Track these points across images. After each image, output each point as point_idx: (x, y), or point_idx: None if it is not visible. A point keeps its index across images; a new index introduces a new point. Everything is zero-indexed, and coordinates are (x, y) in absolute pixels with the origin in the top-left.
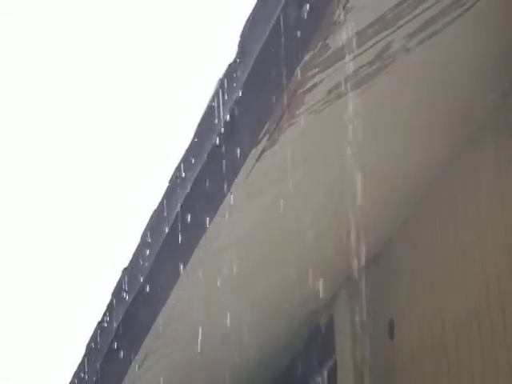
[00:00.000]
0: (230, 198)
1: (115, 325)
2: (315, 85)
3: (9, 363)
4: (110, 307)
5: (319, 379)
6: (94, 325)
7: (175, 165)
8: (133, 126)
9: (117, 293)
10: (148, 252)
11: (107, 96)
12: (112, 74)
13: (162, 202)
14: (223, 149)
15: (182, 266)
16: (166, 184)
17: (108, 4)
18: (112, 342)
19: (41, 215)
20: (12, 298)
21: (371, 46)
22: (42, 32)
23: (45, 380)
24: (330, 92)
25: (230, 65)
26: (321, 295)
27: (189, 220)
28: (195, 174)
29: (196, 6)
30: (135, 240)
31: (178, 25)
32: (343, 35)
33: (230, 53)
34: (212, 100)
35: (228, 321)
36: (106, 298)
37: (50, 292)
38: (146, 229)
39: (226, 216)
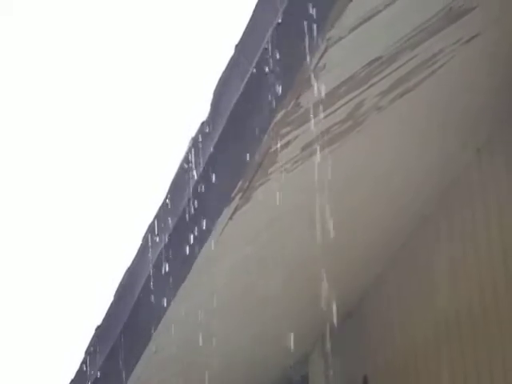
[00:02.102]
0: (203, 257)
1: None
2: (288, 143)
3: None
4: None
5: None
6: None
7: (148, 222)
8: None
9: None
10: (120, 312)
11: (107, 96)
12: (112, 73)
13: (134, 261)
14: (196, 208)
15: (152, 329)
16: (139, 243)
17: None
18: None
19: (40, 217)
20: (11, 298)
21: (343, 105)
22: (42, 32)
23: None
24: (302, 150)
25: (202, 123)
26: (295, 352)
27: (161, 279)
28: (168, 233)
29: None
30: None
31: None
32: (316, 93)
33: (202, 111)
34: (184, 159)
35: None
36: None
37: (48, 295)
38: (118, 287)
39: (199, 275)
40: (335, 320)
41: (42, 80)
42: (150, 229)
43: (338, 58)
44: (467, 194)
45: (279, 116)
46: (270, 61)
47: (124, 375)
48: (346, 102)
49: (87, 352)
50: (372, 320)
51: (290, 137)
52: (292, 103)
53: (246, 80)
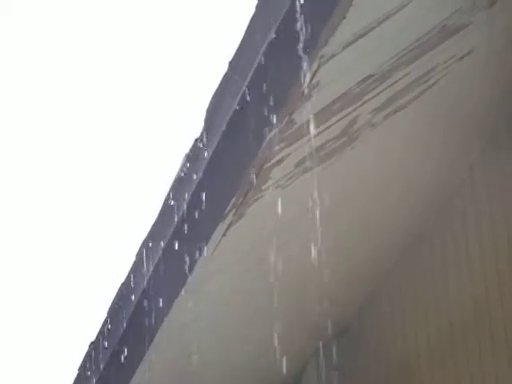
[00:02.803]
0: (197, 273)
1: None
2: (281, 159)
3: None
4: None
5: None
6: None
7: (142, 239)
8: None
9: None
10: (114, 329)
11: (108, 95)
12: (113, 72)
13: (128, 278)
14: (189, 224)
15: (146, 344)
16: (133, 259)
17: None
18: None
19: (39, 219)
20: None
21: (337, 121)
22: (42, 32)
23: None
24: (296, 166)
25: (195, 140)
26: (289, 367)
27: (155, 295)
28: (162, 249)
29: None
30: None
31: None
32: (309, 110)
33: (195, 127)
34: (178, 175)
35: None
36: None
37: (42, 310)
38: (112, 303)
39: (194, 291)
40: (331, 335)
41: (42, 80)
42: (144, 245)
43: (331, 74)
44: (460, 210)
45: (273, 133)
46: (263, 78)
47: None
48: (340, 119)
49: (81, 368)
50: (367, 335)
51: (283, 153)
52: (286, 120)
53: (239, 97)
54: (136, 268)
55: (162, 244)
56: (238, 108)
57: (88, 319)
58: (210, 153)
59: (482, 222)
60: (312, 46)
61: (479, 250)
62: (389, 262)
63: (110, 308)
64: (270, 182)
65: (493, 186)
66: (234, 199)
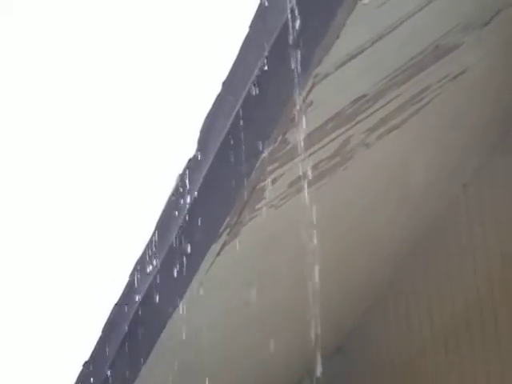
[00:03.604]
0: (191, 294)
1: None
2: (275, 179)
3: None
4: None
5: None
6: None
7: (135, 259)
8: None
9: None
10: (108, 349)
11: (108, 95)
12: (113, 72)
13: (122, 297)
14: (183, 244)
15: (142, 361)
16: (127, 278)
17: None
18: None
19: (39, 221)
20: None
21: (330, 141)
22: (42, 32)
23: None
24: (289, 186)
25: (189, 160)
26: None
27: (149, 314)
28: (156, 269)
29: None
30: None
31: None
32: (302, 130)
33: (189, 148)
34: (171, 195)
35: None
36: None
37: (35, 329)
38: (105, 324)
39: (188, 311)
40: (325, 354)
41: (42, 80)
42: (138, 265)
43: (324, 94)
44: (453, 229)
45: (266, 152)
46: (257, 98)
47: None
48: (333, 139)
49: None
50: (362, 355)
51: (277, 173)
52: (279, 139)
53: (232, 117)
54: (130, 287)
55: (156, 263)
56: (231, 128)
57: (88, 318)
58: (204, 173)
59: (475, 240)
60: (306, 66)
61: (472, 265)
62: (381, 282)
63: (105, 326)
64: (263, 202)
65: (486, 204)
66: (228, 219)
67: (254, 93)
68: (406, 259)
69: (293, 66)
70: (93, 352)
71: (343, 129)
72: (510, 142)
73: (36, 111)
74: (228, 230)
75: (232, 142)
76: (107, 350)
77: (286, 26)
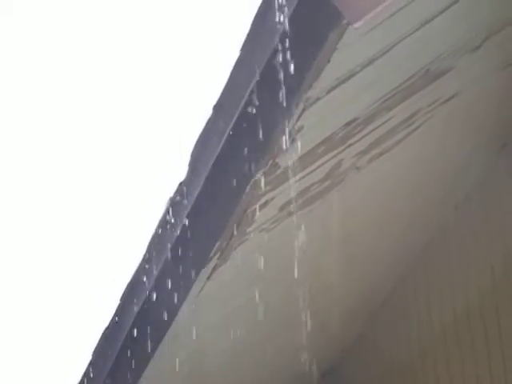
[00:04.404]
0: (182, 317)
1: None
2: (266, 203)
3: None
4: None
5: None
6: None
7: (127, 280)
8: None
9: None
10: (102, 366)
11: (108, 95)
12: (113, 71)
13: (112, 321)
14: (174, 268)
15: None
16: (117, 302)
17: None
18: None
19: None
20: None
21: (322, 164)
22: (42, 32)
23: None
24: (280, 210)
25: (180, 184)
26: None
27: (138, 339)
28: (146, 292)
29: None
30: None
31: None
32: (293, 153)
33: (180, 171)
34: (162, 218)
35: None
36: None
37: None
38: (95, 348)
39: (178, 334)
40: (317, 375)
41: (42, 81)
42: (128, 289)
43: (315, 118)
44: (445, 252)
45: (257, 176)
46: (248, 122)
47: None
48: (325, 162)
49: None
50: (353, 377)
51: (267, 197)
52: (270, 163)
53: (223, 141)
54: (121, 309)
55: (147, 285)
56: (222, 151)
57: (73, 365)
58: (195, 196)
59: (468, 262)
60: (296, 90)
61: (464, 287)
62: (374, 305)
63: (94, 351)
64: (254, 226)
65: (477, 226)
66: (218, 242)
67: (244, 117)
68: (397, 283)
69: (283, 90)
70: (81, 377)
71: (334, 152)
72: (501, 165)
73: (36, 111)
74: (218, 253)
75: (223, 166)
76: (98, 375)
77: (276, 49)
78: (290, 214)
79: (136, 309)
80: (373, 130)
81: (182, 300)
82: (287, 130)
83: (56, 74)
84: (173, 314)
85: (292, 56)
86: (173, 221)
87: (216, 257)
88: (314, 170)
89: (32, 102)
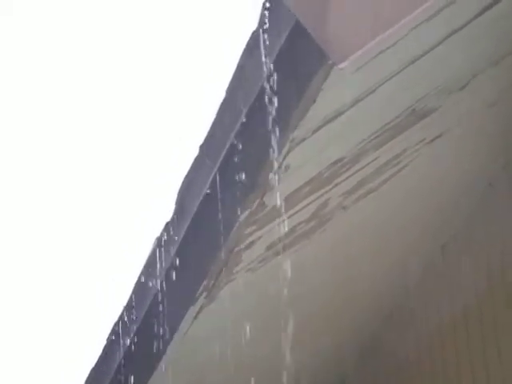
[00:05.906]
0: (168, 357)
1: None
2: (252, 242)
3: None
4: None
5: None
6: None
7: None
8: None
9: None
10: None
11: (108, 95)
12: (112, 71)
13: (99, 362)
14: (160, 307)
15: None
16: (104, 342)
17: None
18: None
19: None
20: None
21: (308, 204)
22: (42, 32)
23: None
24: (267, 249)
25: (167, 223)
26: None
27: (126, 378)
28: (132, 333)
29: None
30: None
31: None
32: (280, 193)
33: (166, 210)
34: (149, 258)
35: None
36: None
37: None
38: (87, 379)
39: (165, 374)
40: None
41: (42, 81)
42: (115, 331)
43: (301, 158)
44: (432, 291)
45: (244, 216)
46: (234, 161)
47: None
48: (311, 202)
49: None
50: None
51: (254, 236)
52: (256, 203)
53: (210, 180)
54: (109, 347)
55: (135, 324)
56: (208, 191)
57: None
58: (181, 235)
59: (455, 302)
60: (282, 130)
61: (453, 331)
62: (361, 345)
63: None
64: (241, 265)
65: (465, 265)
66: (205, 282)
67: (231, 156)
68: (386, 320)
69: (269, 130)
70: None
71: (321, 192)
72: (489, 203)
73: (36, 111)
74: (205, 293)
75: (209, 205)
76: None
77: (262, 90)
78: (277, 253)
79: (122, 350)
80: (359, 170)
81: (169, 340)
82: (274, 169)
83: (56, 74)
84: (159, 355)
85: (277, 96)
86: (159, 260)
87: (203, 296)
88: (301, 209)
89: (32, 102)
